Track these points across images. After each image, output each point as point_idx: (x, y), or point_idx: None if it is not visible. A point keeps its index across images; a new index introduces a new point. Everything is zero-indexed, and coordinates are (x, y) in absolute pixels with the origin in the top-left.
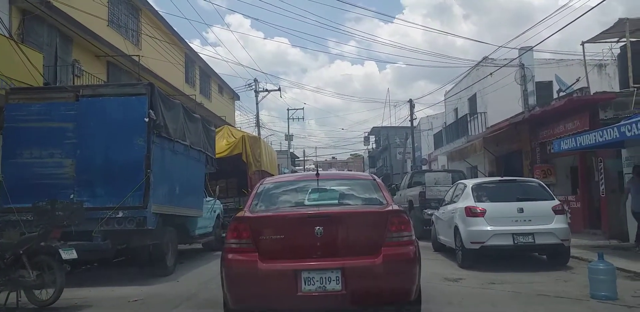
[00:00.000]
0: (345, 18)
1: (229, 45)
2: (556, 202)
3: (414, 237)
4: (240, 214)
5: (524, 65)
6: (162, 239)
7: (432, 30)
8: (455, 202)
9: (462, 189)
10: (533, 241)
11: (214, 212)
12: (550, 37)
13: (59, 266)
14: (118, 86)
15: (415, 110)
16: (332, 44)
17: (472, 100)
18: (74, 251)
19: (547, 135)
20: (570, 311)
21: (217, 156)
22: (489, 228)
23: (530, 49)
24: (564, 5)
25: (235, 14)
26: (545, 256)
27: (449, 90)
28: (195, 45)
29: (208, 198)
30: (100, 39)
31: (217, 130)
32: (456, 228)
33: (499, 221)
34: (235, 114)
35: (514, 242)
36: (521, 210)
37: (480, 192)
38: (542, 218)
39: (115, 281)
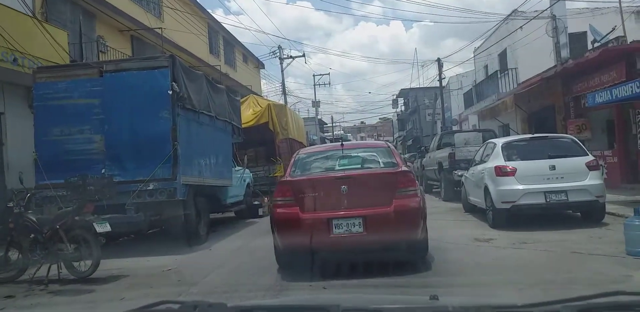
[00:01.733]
0: None
1: (251, 14)
2: (590, 157)
3: (418, 191)
4: (283, 178)
5: (555, 16)
6: (193, 209)
7: None
8: (485, 162)
9: (492, 148)
10: (566, 198)
11: (244, 181)
12: None
13: (95, 239)
14: (140, 60)
15: (444, 69)
16: (356, 5)
17: (503, 56)
18: (108, 224)
19: (581, 89)
20: (605, 268)
21: (243, 125)
22: (520, 187)
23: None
24: None
25: None
26: (579, 214)
27: (477, 47)
28: (218, 15)
29: (237, 167)
30: (123, 14)
31: (242, 99)
32: (486, 188)
33: (530, 180)
34: (262, 82)
35: (546, 200)
36: (553, 167)
37: (510, 151)
38: (576, 175)
39: (150, 251)
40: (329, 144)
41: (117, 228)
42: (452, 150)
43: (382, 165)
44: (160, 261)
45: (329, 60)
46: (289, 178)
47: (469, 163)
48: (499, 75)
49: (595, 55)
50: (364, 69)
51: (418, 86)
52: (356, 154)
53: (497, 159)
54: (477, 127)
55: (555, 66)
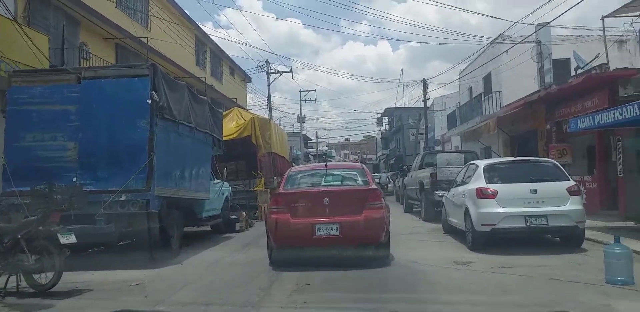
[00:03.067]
0: None
1: (241, 28)
2: (571, 182)
3: (383, 204)
4: (277, 190)
5: (540, 41)
6: (166, 222)
7: (447, 6)
8: (466, 183)
9: (473, 170)
10: (546, 223)
11: (222, 194)
12: (567, 13)
13: (58, 251)
14: (120, 67)
15: (429, 90)
16: (345, 24)
17: (487, 79)
18: (73, 235)
19: (563, 114)
20: (585, 296)
21: (226, 138)
22: (500, 210)
23: (547, 24)
24: None
25: None
26: (558, 238)
27: (463, 69)
28: (207, 27)
29: (216, 180)
30: (108, 21)
31: (226, 112)
32: (467, 210)
33: (511, 203)
34: (248, 96)
35: (526, 224)
36: (534, 191)
37: (492, 173)
38: (556, 199)
39: (119, 264)
40: (315, 164)
41: (86, 239)
42: (434, 170)
43: (356, 183)
44: (129, 274)
45: (316, 77)
46: (282, 191)
47: (450, 184)
48: (482, 98)
49: (578, 81)
50: (351, 87)
51: (403, 106)
52: (337, 173)
53: (479, 181)
54: (460, 149)
55: (539, 91)
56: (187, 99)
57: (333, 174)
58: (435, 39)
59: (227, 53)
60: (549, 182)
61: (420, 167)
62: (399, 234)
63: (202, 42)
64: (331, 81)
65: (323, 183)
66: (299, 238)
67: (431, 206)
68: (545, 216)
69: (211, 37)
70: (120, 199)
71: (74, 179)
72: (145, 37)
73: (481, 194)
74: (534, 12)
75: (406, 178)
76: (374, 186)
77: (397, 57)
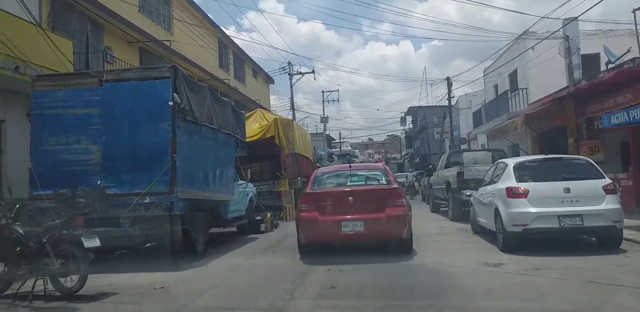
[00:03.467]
0: None
1: (263, 31)
2: (607, 180)
3: (405, 202)
4: (305, 190)
5: (568, 36)
6: (191, 224)
7: (470, 2)
8: (495, 182)
9: (503, 169)
10: (581, 223)
11: (247, 195)
12: (594, 8)
13: (83, 254)
14: (141, 70)
15: (453, 88)
16: (366, 25)
17: (513, 76)
18: (97, 239)
19: (594, 110)
20: (627, 301)
21: (249, 139)
22: (532, 210)
23: (575, 19)
24: None
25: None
26: (594, 239)
27: (488, 67)
28: (230, 30)
29: (240, 182)
30: (132, 25)
31: (249, 113)
32: (496, 210)
33: (543, 202)
34: (271, 98)
35: (559, 224)
36: (568, 190)
37: (522, 172)
38: (592, 198)
39: (144, 267)
40: (339, 165)
41: (111, 242)
42: (461, 169)
43: (379, 182)
44: (154, 277)
45: (338, 77)
46: (310, 191)
47: (478, 183)
48: (509, 95)
49: (610, 75)
50: (373, 87)
51: (427, 105)
52: (360, 174)
53: (509, 180)
54: (486, 147)
55: (567, 87)
56: (208, 100)
57: (357, 175)
58: (457, 37)
59: (250, 55)
60: (583, 181)
61: (447, 166)
62: (426, 235)
63: (225, 44)
64: (353, 82)
65: (348, 183)
66: (327, 234)
67: (458, 206)
68: (580, 215)
69: (233, 39)
70: (144, 201)
71: (98, 182)
72: (167, 41)
73: (512, 193)
74: (560, 6)
75: (432, 177)
76: (395, 185)
77: (419, 56)
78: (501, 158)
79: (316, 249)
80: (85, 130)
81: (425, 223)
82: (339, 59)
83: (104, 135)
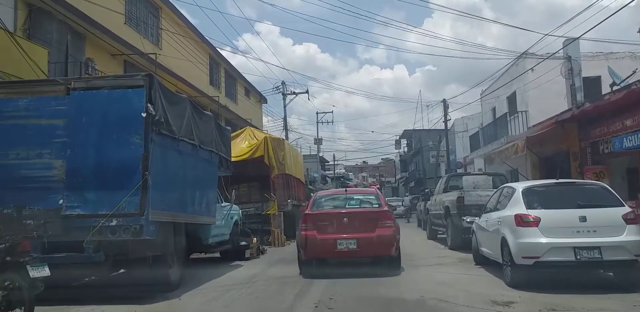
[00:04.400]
0: (373, 23)
1: (258, 53)
2: (626, 209)
3: (394, 223)
4: (306, 212)
5: (570, 57)
6: (164, 250)
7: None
8: (501, 209)
9: (509, 194)
10: (600, 256)
11: (231, 218)
12: (589, 33)
13: (29, 285)
14: (113, 78)
15: (449, 110)
16: (361, 50)
17: (512, 98)
18: (46, 268)
19: (600, 133)
20: None
21: (237, 158)
22: (544, 240)
23: (576, 39)
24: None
25: (264, 23)
26: (612, 274)
27: (485, 89)
28: (225, 51)
29: (224, 203)
30: (116, 37)
31: (238, 132)
32: (504, 240)
33: (556, 232)
34: (265, 119)
35: (576, 257)
36: (584, 218)
37: (532, 197)
38: (610, 228)
39: (110, 298)
40: (336, 189)
41: (73, 269)
42: (461, 194)
43: (371, 205)
44: (120, 310)
45: (333, 100)
46: (309, 212)
47: (481, 209)
48: (508, 118)
49: (619, 96)
50: (368, 110)
51: (422, 128)
52: (355, 197)
53: (517, 207)
54: (483, 171)
55: (570, 109)
56: (188, 113)
57: (352, 198)
58: (452, 64)
59: (243, 75)
60: (600, 209)
61: (445, 190)
62: (424, 265)
63: (216, 62)
64: (348, 104)
65: (343, 205)
66: (324, 251)
67: (458, 233)
68: (598, 247)
69: (227, 58)
70: (111, 224)
71: (60, 202)
72: (154, 54)
73: (521, 221)
74: (561, 26)
75: (429, 202)
76: (385, 208)
77: (413, 80)
78: (502, 183)
79: (314, 273)
80: (48, 143)
81: (423, 251)
82: (333, 82)
83: (69, 149)
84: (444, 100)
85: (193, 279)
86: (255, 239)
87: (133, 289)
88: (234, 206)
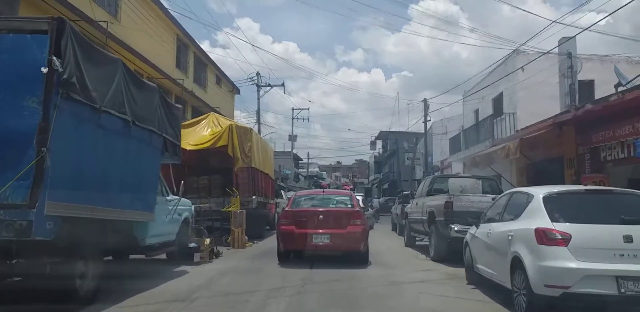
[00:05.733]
0: (352, 26)
1: (236, 49)
2: None
3: (364, 221)
4: (285, 209)
5: (571, 53)
6: (70, 255)
7: (471, 44)
8: (509, 219)
9: (524, 201)
10: None
11: (179, 215)
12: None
13: None
14: (7, 19)
15: (429, 111)
16: (340, 52)
17: (498, 100)
18: None
19: (603, 138)
20: None
21: (198, 147)
22: (576, 265)
23: (572, 37)
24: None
25: (244, 18)
26: None
27: (468, 90)
28: (204, 46)
29: (170, 197)
30: (64, 2)
31: (201, 117)
32: (516, 260)
33: (593, 255)
34: (238, 114)
35: (619, 290)
36: (629, 238)
37: (557, 207)
38: None
39: None
40: (314, 190)
41: None
42: (450, 198)
43: (345, 205)
44: None
45: (310, 99)
46: (289, 209)
47: (472, 217)
48: (494, 120)
49: (632, 96)
50: (344, 111)
51: (398, 130)
52: (330, 197)
53: (537, 218)
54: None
55: (568, 110)
56: (120, 79)
57: (328, 198)
58: (427, 70)
59: (218, 66)
60: None
61: (429, 193)
62: (406, 281)
63: (185, 44)
64: (324, 105)
65: (320, 204)
66: (300, 244)
67: (443, 243)
68: None
69: (199, 44)
70: None
71: None
72: (104, 21)
73: (545, 238)
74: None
75: (408, 206)
76: (357, 208)
77: (389, 85)
78: (493, 188)
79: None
80: None
81: (402, 262)
82: (311, 82)
83: None
84: (424, 100)
85: (117, 291)
86: (208, 240)
87: (27, 307)
88: (183, 200)
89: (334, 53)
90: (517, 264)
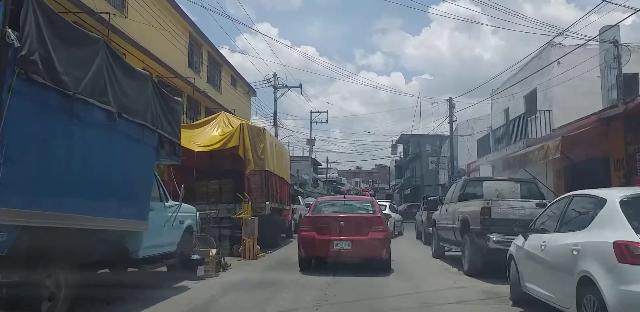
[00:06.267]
0: (371, 30)
1: (255, 54)
2: None
3: (386, 227)
4: (307, 214)
5: (617, 41)
6: (31, 274)
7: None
8: (573, 229)
9: (590, 207)
10: None
11: (180, 223)
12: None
13: None
14: None
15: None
16: (359, 56)
17: (531, 97)
18: None
19: None
20: None
21: (207, 148)
22: None
23: (615, 25)
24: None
25: (263, 23)
26: None
27: (496, 89)
28: (224, 49)
29: (168, 203)
30: None
31: (211, 117)
32: (586, 281)
33: None
34: (256, 119)
35: None
36: None
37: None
38: None
39: None
40: (335, 196)
41: None
42: (488, 204)
43: (366, 211)
44: None
45: (328, 105)
46: (310, 215)
47: (513, 225)
48: (527, 119)
49: None
50: (363, 117)
51: (420, 133)
52: (352, 204)
53: (617, 229)
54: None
55: (616, 105)
56: (102, 63)
57: (349, 204)
58: (448, 73)
59: (238, 70)
60: None
61: (461, 198)
62: (439, 301)
63: (198, 42)
64: (343, 109)
65: (341, 210)
66: (321, 250)
67: (479, 255)
68: None
69: (212, 43)
70: None
71: None
72: (106, 13)
73: (629, 254)
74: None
75: (437, 212)
76: (379, 215)
77: (409, 89)
78: (532, 192)
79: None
80: None
81: (432, 277)
82: (330, 86)
83: None
84: (449, 99)
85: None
86: (213, 251)
87: None
88: (186, 206)
89: (353, 57)
90: (586, 286)
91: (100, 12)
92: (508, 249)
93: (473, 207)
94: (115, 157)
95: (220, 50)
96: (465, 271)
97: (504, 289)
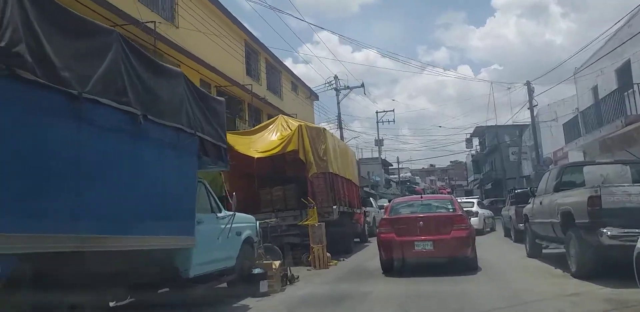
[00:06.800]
0: (434, 26)
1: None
2: None
3: (468, 225)
4: (384, 216)
5: None
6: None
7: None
8: None
9: None
10: None
11: (237, 234)
12: None
13: None
14: None
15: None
16: (422, 52)
17: (624, 70)
18: None
19: None
20: None
21: (266, 153)
22: None
23: None
24: None
25: (323, 32)
26: None
27: (579, 67)
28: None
29: (221, 214)
30: (106, 4)
31: (268, 121)
32: None
33: None
34: (317, 119)
35: None
36: None
37: None
38: None
39: None
40: (413, 196)
41: None
42: (597, 192)
43: (447, 210)
44: None
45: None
46: (388, 216)
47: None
48: (623, 94)
49: None
50: (431, 114)
51: (496, 124)
52: (430, 203)
53: None
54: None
55: None
56: (117, 56)
57: (427, 204)
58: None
59: (298, 76)
60: None
61: (557, 188)
62: None
63: (255, 50)
64: (410, 108)
65: (419, 210)
66: (402, 252)
67: (590, 254)
68: None
69: (269, 49)
70: None
71: None
72: (151, 22)
73: None
74: None
75: (529, 206)
76: (460, 212)
77: (478, 81)
78: None
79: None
80: None
81: (531, 281)
82: (395, 86)
83: None
84: (527, 83)
85: None
86: (277, 263)
87: None
88: (242, 215)
89: (416, 54)
90: None
91: (146, 22)
92: (630, 245)
93: (576, 197)
94: (143, 165)
95: (285, 63)
96: (573, 273)
97: (632, 295)
